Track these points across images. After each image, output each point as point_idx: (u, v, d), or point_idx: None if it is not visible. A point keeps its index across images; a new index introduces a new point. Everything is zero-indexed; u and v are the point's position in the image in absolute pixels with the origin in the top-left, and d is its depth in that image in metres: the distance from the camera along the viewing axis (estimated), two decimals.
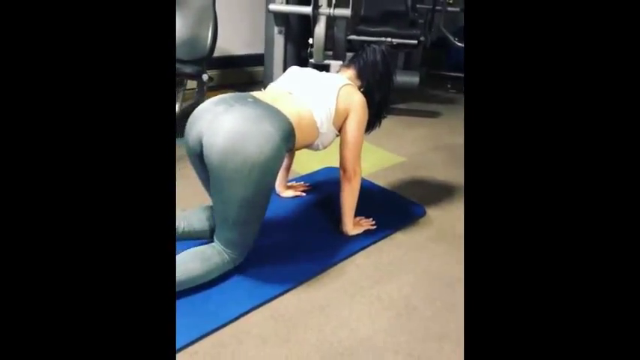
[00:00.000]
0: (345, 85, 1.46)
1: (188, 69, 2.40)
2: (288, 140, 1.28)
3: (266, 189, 1.26)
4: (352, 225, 1.60)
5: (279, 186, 1.86)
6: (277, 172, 1.27)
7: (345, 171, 1.50)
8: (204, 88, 2.51)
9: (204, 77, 2.34)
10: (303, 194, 1.88)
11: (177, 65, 2.38)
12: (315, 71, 1.54)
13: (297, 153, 1.72)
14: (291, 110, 1.32)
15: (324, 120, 1.39)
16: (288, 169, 1.85)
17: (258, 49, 3.46)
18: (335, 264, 1.47)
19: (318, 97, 1.40)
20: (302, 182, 1.96)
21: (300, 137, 1.33)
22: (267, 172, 1.21)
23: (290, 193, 1.87)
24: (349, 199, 1.54)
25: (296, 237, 1.59)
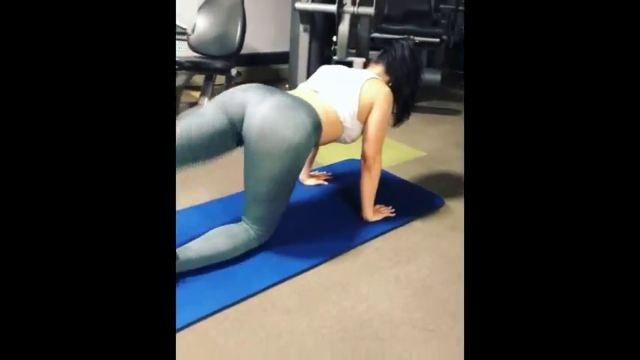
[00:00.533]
0: (369, 79, 1.54)
1: (218, 64, 2.51)
2: (317, 131, 1.38)
3: (295, 170, 1.35)
4: (372, 212, 1.66)
5: (302, 175, 1.94)
6: (306, 158, 1.37)
7: (365, 160, 1.56)
8: (232, 83, 2.62)
9: (233, 72, 2.45)
10: (325, 183, 1.96)
11: (207, 60, 2.50)
12: (345, 68, 1.62)
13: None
14: (318, 106, 1.42)
15: (347, 115, 1.48)
16: (311, 160, 1.93)
17: (284, 46, 3.56)
18: (355, 246, 1.54)
19: (342, 94, 1.49)
20: (324, 172, 2.04)
21: (325, 132, 1.43)
22: (298, 155, 1.31)
23: (313, 182, 1.95)
24: (369, 186, 1.60)
25: (318, 220, 1.67)
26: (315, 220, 1.67)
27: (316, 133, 1.38)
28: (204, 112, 1.36)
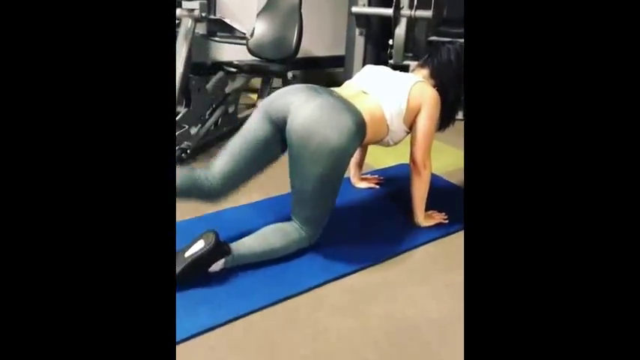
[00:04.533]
0: (417, 82, 1.52)
1: (274, 67, 2.58)
2: (361, 133, 1.39)
3: (339, 170, 1.37)
4: (423, 217, 1.64)
5: (353, 177, 1.95)
6: (350, 158, 1.38)
7: (414, 164, 1.54)
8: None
9: (289, 75, 2.51)
10: (377, 186, 1.95)
11: (265, 64, 2.58)
12: (389, 69, 1.62)
13: (373, 148, 1.80)
14: (364, 108, 1.42)
15: (394, 118, 1.47)
16: (361, 163, 1.94)
17: (339, 50, 3.59)
18: (405, 250, 1.52)
19: (390, 95, 1.48)
20: (376, 175, 2.03)
21: (370, 133, 1.43)
22: (341, 156, 1.33)
23: (364, 185, 1.95)
24: (419, 191, 1.58)
25: (368, 223, 1.66)
26: (365, 222, 1.67)
27: (360, 135, 1.38)
28: (249, 127, 1.42)
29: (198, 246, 1.26)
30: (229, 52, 3.09)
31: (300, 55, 2.78)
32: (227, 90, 2.43)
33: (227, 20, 2.03)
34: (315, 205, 1.39)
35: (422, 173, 1.55)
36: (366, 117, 1.42)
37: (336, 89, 1.52)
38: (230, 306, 1.21)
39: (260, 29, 2.69)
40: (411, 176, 1.58)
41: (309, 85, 1.45)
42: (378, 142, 1.55)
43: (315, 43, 3.60)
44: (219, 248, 1.28)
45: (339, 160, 1.33)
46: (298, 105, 1.34)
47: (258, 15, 2.73)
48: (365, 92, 1.50)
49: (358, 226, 1.64)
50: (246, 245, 1.36)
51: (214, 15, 2.03)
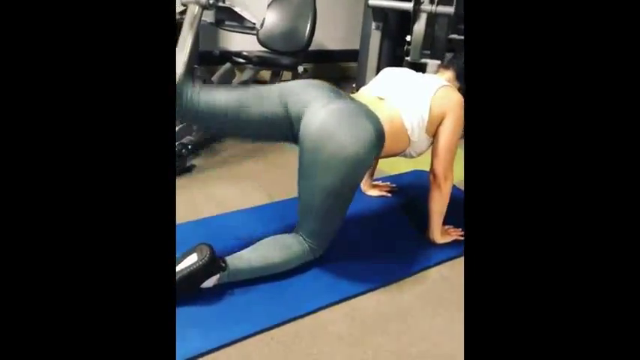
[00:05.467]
0: (441, 87, 1.38)
1: (285, 60, 2.44)
2: (380, 143, 1.25)
3: (353, 183, 1.24)
4: (440, 233, 1.50)
5: (364, 184, 1.81)
6: (366, 170, 1.26)
7: (435, 176, 1.41)
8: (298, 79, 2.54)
9: (300, 69, 2.37)
10: (389, 195, 1.82)
11: (274, 56, 2.44)
12: (411, 72, 1.47)
13: None
14: (383, 116, 1.28)
15: (415, 128, 1.33)
16: (374, 169, 1.81)
17: (354, 44, 3.43)
18: (418, 271, 1.39)
19: (411, 103, 1.33)
20: (388, 182, 1.90)
21: (388, 144, 1.29)
22: (357, 167, 1.20)
23: (375, 192, 1.81)
24: (438, 205, 1.44)
25: (378, 238, 1.53)
26: (375, 236, 1.54)
27: (378, 145, 1.24)
28: (265, 96, 1.25)
29: (191, 260, 1.14)
30: (239, 42, 2.94)
31: (312, 47, 2.63)
32: (234, 82, 2.30)
33: (237, 9, 1.89)
34: (323, 218, 1.26)
35: (442, 187, 1.41)
36: (385, 126, 1.28)
37: (354, 95, 1.39)
38: (222, 329, 1.09)
39: (271, 19, 2.54)
40: (430, 189, 1.44)
41: (329, 85, 1.31)
42: (398, 154, 1.41)
43: (329, 36, 3.44)
44: (214, 263, 1.16)
45: (353, 171, 1.20)
46: (316, 107, 1.20)
47: (270, 5, 2.59)
48: (381, 99, 1.36)
49: (367, 240, 1.51)
50: (243, 260, 1.23)
51: (223, 2, 1.89)
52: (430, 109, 1.34)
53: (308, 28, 2.49)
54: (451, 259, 1.45)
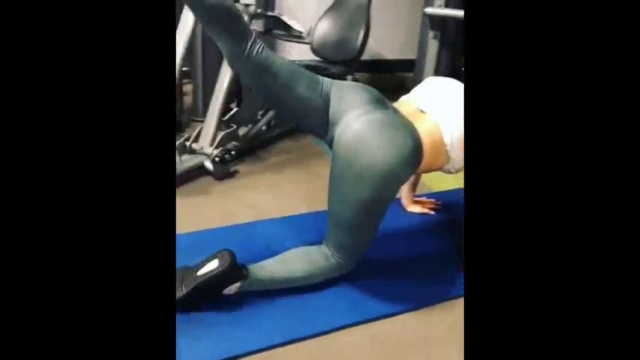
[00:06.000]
0: None
1: (333, 69, 2.41)
2: (417, 158, 1.17)
3: (386, 199, 1.18)
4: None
5: (404, 199, 1.73)
6: (399, 186, 1.19)
7: None
8: None
9: (349, 78, 2.33)
10: (432, 212, 1.71)
11: (324, 65, 2.42)
12: (455, 83, 1.37)
13: None
14: (423, 130, 1.20)
15: (455, 142, 1.23)
16: (415, 183, 1.72)
17: (412, 54, 3.34)
18: (451, 298, 1.28)
19: (451, 117, 1.24)
20: (433, 199, 1.79)
21: (427, 159, 1.21)
22: (391, 182, 1.14)
23: (417, 209, 1.72)
24: None
25: (414, 258, 1.44)
26: (410, 257, 1.45)
27: (415, 161, 1.17)
28: (315, 80, 1.20)
29: (212, 265, 1.13)
30: (297, 52, 2.96)
31: (368, 57, 2.60)
32: None
33: (284, 17, 1.90)
34: (353, 232, 1.21)
35: None
36: (424, 140, 1.20)
37: (395, 106, 1.32)
38: (234, 339, 1.07)
39: (324, 28, 2.53)
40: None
41: (376, 92, 1.24)
42: (437, 169, 1.32)
43: (386, 45, 3.37)
44: (235, 271, 1.14)
45: (386, 186, 1.14)
46: (353, 116, 1.15)
47: (324, 13, 2.58)
48: (422, 111, 1.28)
49: (400, 259, 1.43)
50: (265, 270, 1.21)
51: (272, 12, 1.91)
52: None
53: (360, 37, 2.45)
54: None
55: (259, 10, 1.80)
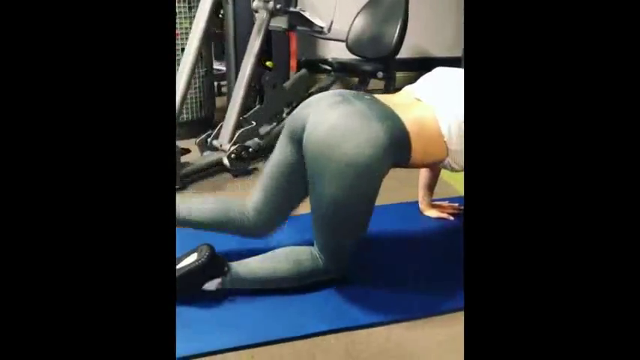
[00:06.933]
0: None
1: (366, 67, 2.34)
2: (399, 149, 1.07)
3: (363, 194, 1.09)
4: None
5: (421, 203, 1.61)
6: (378, 180, 1.09)
7: None
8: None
9: (379, 75, 2.24)
10: (451, 218, 1.58)
11: (356, 62, 2.35)
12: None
13: None
14: (411, 117, 1.10)
15: (453, 134, 1.10)
16: (431, 185, 1.59)
17: (460, 52, 3.15)
18: (450, 311, 1.15)
19: (452, 105, 1.12)
20: (457, 204, 1.65)
21: (419, 150, 1.10)
22: (363, 175, 1.04)
23: (434, 213, 1.59)
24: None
25: (420, 266, 1.33)
26: (415, 264, 1.34)
27: (396, 150, 1.06)
28: (277, 152, 1.23)
29: (191, 259, 1.12)
30: (333, 49, 2.92)
31: (415, 54, 2.48)
32: (313, 89, 2.27)
33: (306, 13, 1.87)
34: (333, 232, 1.14)
35: None
36: (413, 129, 1.09)
37: (386, 96, 1.23)
38: (207, 336, 1.04)
39: (359, 25, 2.46)
40: None
41: (341, 91, 1.18)
42: (436, 163, 1.21)
43: (434, 43, 3.21)
44: (214, 264, 1.12)
45: (360, 179, 1.05)
46: (316, 116, 1.09)
47: (360, 10, 2.51)
48: (419, 100, 1.17)
49: (404, 266, 1.32)
50: (248, 267, 1.17)
51: (295, 7, 1.89)
52: None
53: (396, 34, 2.35)
54: None
55: (279, 6, 1.78)
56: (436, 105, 1.13)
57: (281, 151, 1.22)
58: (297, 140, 1.16)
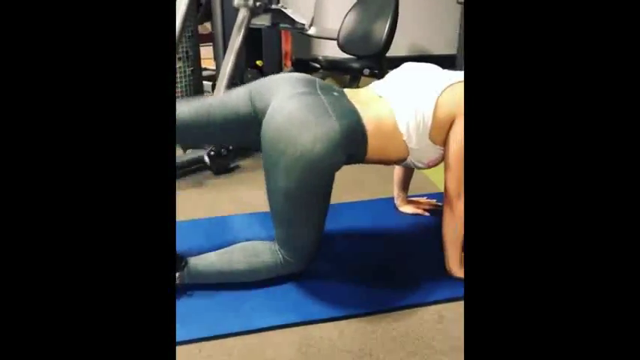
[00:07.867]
0: (453, 84, 1.10)
1: (355, 64, 2.32)
2: (354, 145, 1.07)
3: (314, 188, 1.07)
4: (458, 264, 1.21)
5: (396, 199, 1.58)
6: (330, 175, 1.08)
7: (446, 194, 1.14)
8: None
9: (365, 72, 2.22)
10: (426, 214, 1.55)
11: (345, 60, 2.34)
12: (433, 68, 1.22)
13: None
14: (371, 115, 1.09)
15: (412, 132, 1.09)
16: (405, 182, 1.56)
17: (454, 49, 3.11)
18: (410, 306, 1.13)
19: (409, 103, 1.10)
20: (433, 200, 1.62)
21: (376, 147, 1.10)
22: (314, 169, 1.04)
23: (409, 209, 1.56)
24: (451, 229, 1.16)
25: (387, 259, 1.31)
26: (382, 260, 1.31)
27: (350, 146, 1.06)
28: (232, 95, 1.20)
29: None
30: (329, 48, 2.91)
31: (412, 52, 2.45)
32: None
33: (288, 11, 1.87)
34: (287, 226, 1.13)
35: (454, 207, 1.14)
36: (370, 126, 1.09)
37: (355, 91, 1.21)
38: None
39: (350, 23, 2.45)
40: (443, 210, 1.18)
41: (308, 77, 1.17)
42: (399, 160, 1.19)
43: (432, 40, 3.17)
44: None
45: (311, 173, 1.04)
46: (278, 102, 1.08)
47: (351, 8, 2.50)
48: (380, 97, 1.16)
49: (370, 262, 1.30)
50: (207, 261, 1.17)
51: (277, 4, 1.89)
52: (435, 111, 1.09)
53: (386, 32, 2.32)
54: (460, 299, 1.15)
55: (259, 4, 1.79)
56: (395, 102, 1.12)
57: (234, 99, 1.18)
58: (255, 106, 1.14)
